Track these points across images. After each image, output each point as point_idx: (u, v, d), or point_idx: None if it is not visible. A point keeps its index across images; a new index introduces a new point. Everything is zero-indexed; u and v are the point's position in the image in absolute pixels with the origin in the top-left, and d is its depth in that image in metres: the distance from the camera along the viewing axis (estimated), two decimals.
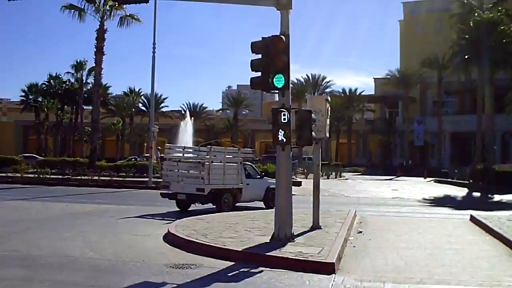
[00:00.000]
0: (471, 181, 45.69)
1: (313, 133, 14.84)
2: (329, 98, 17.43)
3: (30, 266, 11.44)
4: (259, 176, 27.05)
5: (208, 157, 23.99)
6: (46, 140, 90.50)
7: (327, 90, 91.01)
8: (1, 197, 28.57)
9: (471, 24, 50.98)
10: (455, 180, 50.98)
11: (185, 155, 26.15)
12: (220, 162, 24.45)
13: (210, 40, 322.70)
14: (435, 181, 54.34)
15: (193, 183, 23.68)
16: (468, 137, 67.51)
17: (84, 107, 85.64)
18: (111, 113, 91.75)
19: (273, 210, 14.57)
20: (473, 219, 20.53)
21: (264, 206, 25.49)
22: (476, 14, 50.71)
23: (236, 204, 24.72)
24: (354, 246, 14.56)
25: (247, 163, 26.75)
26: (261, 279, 10.65)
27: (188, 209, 24.31)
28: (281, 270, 11.30)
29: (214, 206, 23.85)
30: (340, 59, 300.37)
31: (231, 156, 25.38)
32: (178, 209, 24.18)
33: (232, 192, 24.69)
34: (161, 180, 26.04)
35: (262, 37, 13.60)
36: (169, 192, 24.56)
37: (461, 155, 71.12)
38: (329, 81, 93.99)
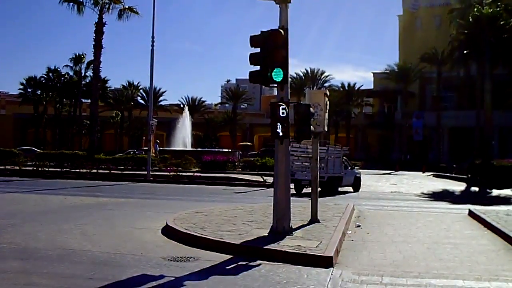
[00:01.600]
0: (469, 175, 45.74)
1: (311, 127, 14.85)
2: (327, 92, 17.44)
3: (28, 259, 11.44)
4: (350, 167, 35.23)
5: (327, 153, 30.92)
6: (45, 133, 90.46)
7: (326, 84, 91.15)
8: None
9: (471, 19, 50.94)
10: (453, 175, 51.08)
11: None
12: (331, 157, 31.72)
13: (209, 34, 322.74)
14: (434, 176, 54.41)
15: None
16: (467, 132, 67.62)
17: (83, 100, 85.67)
18: (110, 107, 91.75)
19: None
20: (471, 213, 20.54)
21: (352, 190, 34.02)
22: (475, 9, 50.65)
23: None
24: (352, 240, 14.57)
25: (344, 157, 34.48)
26: (259, 272, 10.66)
27: (302, 192, 30.70)
28: (279, 263, 11.31)
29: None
30: (339, 54, 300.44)
31: (338, 152, 33.21)
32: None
33: (337, 179, 32.41)
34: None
35: (261, 31, 13.59)
36: (294, 178, 30.46)
37: (460, 150, 71.19)
38: (328, 76, 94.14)
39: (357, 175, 35.26)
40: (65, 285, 9.46)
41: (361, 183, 35.64)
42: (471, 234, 16.33)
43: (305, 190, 30.45)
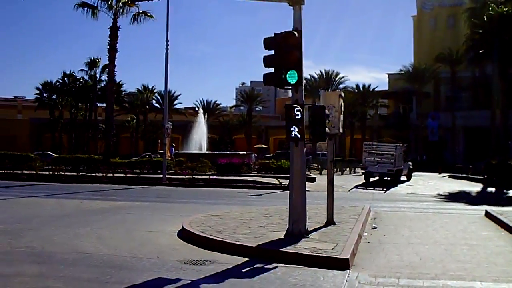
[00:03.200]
0: (485, 176, 45.45)
1: (326, 129, 14.81)
2: (342, 94, 17.35)
3: (44, 263, 11.49)
4: (406, 161, 45.54)
5: (395, 151, 42.07)
6: (61, 137, 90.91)
7: (341, 86, 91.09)
8: (16, 194, 28.75)
9: (485, 19, 50.73)
10: (469, 176, 50.77)
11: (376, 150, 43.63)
12: (398, 154, 41.92)
13: (223, 36, 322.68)
14: (450, 177, 54.13)
15: (385, 166, 41.45)
16: (483, 132, 67.22)
17: (98, 104, 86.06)
18: (125, 110, 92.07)
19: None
20: (488, 214, 20.42)
21: (406, 179, 45.62)
22: (490, 8, 50.43)
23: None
24: (368, 242, 14.52)
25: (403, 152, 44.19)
26: (275, 275, 10.65)
27: (370, 181, 41.91)
28: (295, 266, 11.29)
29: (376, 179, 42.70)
30: (353, 55, 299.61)
31: (401, 149, 43.43)
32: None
33: (400, 171, 43.04)
34: (362, 164, 44.73)
35: (275, 33, 13.58)
36: (367, 171, 42.34)
37: (476, 150, 70.82)
38: (343, 77, 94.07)
39: (410, 167, 47.46)
40: None
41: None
42: (488, 235, 16.23)
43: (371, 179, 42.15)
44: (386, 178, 42.26)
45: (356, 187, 38.64)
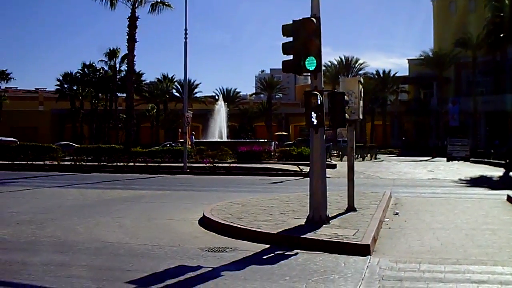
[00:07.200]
0: (507, 161, 45.17)
1: (346, 115, 14.79)
2: (362, 80, 17.27)
3: (67, 252, 11.58)
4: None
5: (467, 143, 61.11)
6: (82, 128, 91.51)
7: (361, 72, 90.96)
8: (39, 184, 28.94)
9: (506, 1, 50.26)
10: (491, 160, 50.53)
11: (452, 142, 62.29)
12: (466, 143, 61.61)
13: (241, 24, 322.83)
14: (471, 162, 53.92)
15: (462, 152, 59.47)
16: (504, 117, 66.81)
17: (118, 94, 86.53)
18: (145, 100, 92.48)
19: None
20: (510, 199, 20.27)
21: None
22: None
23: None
24: (389, 228, 14.49)
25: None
26: (296, 261, 10.66)
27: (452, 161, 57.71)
28: (316, 252, 11.29)
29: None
30: (372, 42, 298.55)
31: (469, 142, 62.54)
32: None
33: (469, 156, 58.44)
34: (447, 152, 61.77)
35: (293, 20, 13.55)
36: (452, 156, 59.39)
37: (497, 135, 70.40)
38: (363, 63, 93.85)
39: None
40: (103, 277, 9.56)
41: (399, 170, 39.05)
42: (510, 219, 16.13)
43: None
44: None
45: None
